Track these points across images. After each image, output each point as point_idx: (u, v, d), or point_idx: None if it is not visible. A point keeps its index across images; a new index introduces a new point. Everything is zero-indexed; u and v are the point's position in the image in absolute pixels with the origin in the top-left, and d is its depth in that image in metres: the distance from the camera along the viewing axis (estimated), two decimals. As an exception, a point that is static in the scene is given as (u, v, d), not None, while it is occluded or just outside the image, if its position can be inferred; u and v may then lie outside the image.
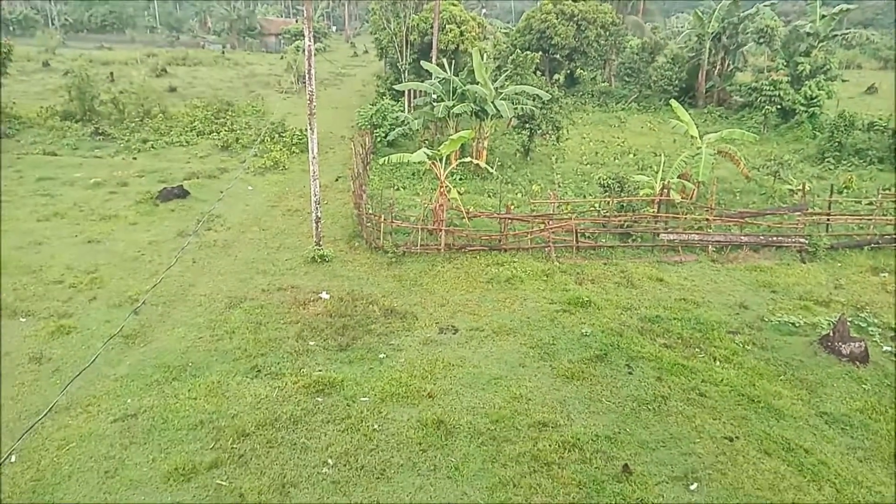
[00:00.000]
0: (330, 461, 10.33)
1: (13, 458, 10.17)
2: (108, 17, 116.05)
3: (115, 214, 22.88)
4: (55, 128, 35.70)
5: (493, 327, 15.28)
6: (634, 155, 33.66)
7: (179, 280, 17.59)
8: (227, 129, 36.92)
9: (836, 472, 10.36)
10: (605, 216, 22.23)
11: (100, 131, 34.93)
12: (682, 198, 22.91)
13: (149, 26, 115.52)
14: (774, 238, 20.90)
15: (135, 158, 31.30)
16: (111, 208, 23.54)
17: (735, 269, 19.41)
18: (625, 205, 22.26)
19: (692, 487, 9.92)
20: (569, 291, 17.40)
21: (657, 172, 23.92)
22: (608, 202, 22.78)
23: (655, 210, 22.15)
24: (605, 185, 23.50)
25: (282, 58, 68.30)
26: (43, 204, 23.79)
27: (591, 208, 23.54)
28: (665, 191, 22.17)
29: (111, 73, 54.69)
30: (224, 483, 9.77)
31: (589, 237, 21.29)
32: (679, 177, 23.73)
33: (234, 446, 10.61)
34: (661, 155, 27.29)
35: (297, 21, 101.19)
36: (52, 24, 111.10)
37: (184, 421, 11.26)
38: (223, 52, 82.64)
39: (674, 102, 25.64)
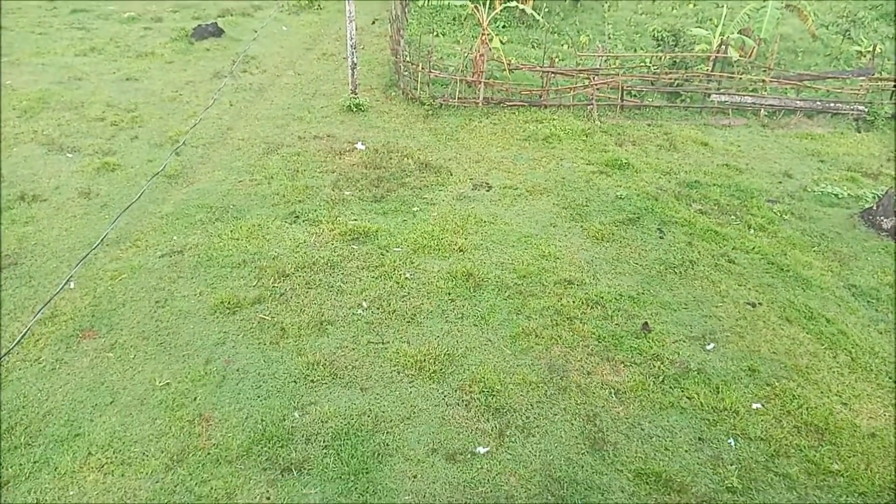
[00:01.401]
0: (364, 304, 10.94)
1: (72, 285, 11.01)
2: None
3: (152, 52, 22.54)
4: (83, -45, 34.21)
5: (526, 186, 15.23)
6: (695, 5, 31.01)
7: (217, 123, 17.67)
8: (259, -39, 34.86)
9: (853, 342, 10.61)
10: (654, 73, 21.05)
11: (129, -40, 33.41)
12: (739, 55, 21.40)
13: None
14: (831, 104, 19.68)
15: (166, -9, 30.16)
16: (147, 45, 23.15)
17: (785, 136, 18.57)
18: (678, 61, 20.94)
19: (708, 347, 10.32)
20: (608, 153, 17.01)
21: (717, 26, 22.18)
22: (660, 57, 21.43)
23: (710, 68, 20.84)
24: (659, 38, 21.98)
25: None
26: (79, 38, 23.48)
27: (642, 64, 22.23)
28: (723, 47, 20.68)
29: None
30: (266, 317, 10.51)
31: (635, 95, 20.34)
32: (740, 32, 22.00)
33: (276, 285, 11.26)
34: (723, 6, 25.09)
35: None
36: None
37: (228, 259, 11.89)
38: None
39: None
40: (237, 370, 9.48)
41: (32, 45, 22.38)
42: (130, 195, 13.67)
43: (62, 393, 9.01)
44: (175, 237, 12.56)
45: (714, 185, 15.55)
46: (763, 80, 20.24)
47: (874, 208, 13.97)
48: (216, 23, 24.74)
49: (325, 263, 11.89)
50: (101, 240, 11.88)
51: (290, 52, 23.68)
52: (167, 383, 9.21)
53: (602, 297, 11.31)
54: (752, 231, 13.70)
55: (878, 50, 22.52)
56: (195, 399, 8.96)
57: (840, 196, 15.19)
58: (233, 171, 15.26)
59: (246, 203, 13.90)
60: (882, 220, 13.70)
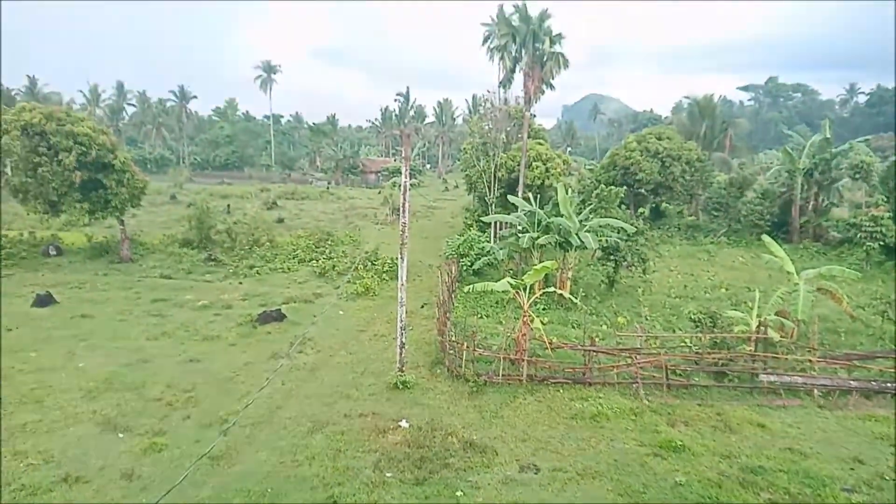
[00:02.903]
0: None
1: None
2: (231, 156, 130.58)
3: (217, 335, 24.32)
4: (174, 253, 39.38)
5: (577, 468, 14.50)
6: (726, 289, 32.54)
7: (268, 402, 18.13)
8: (325, 257, 39.32)
9: None
10: (697, 353, 21.27)
11: (212, 257, 38.14)
12: (780, 336, 21.67)
13: (265, 164, 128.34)
14: (888, 384, 19.07)
15: (240, 283, 33.67)
16: (214, 329, 25.09)
17: (846, 418, 17.70)
18: (718, 342, 21.28)
19: None
20: (660, 433, 16.41)
21: (752, 308, 22.95)
22: (700, 338, 21.87)
23: (752, 348, 21.00)
24: (696, 319, 22.71)
25: (379, 192, 73.21)
26: (154, 324, 25.75)
27: (682, 344, 22.63)
28: (762, 328, 21.10)
29: (228, 206, 60.41)
30: None
31: (680, 375, 20.31)
32: (776, 314, 22.62)
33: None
34: (755, 290, 26.26)
35: (395, 160, 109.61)
36: (183, 162, 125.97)
37: (258, 550, 11.14)
38: (328, 188, 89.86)
39: (766, 237, 25.08)
40: None
41: (111, 331, 24.56)
42: (173, 478, 13.53)
43: None
44: (208, 523, 12.04)
45: (780, 470, 14.46)
46: (810, 360, 20.11)
47: (968, 499, 12.56)
48: (280, 309, 27.01)
49: (361, 556, 10.99)
50: (134, 525, 11.47)
51: (345, 333, 25.19)
52: None
53: None
54: (833, 525, 12.30)
55: (922, 329, 22.55)
56: None
57: (925, 484, 13.81)
58: (276, 451, 15.17)
59: (284, 486, 13.52)
60: (982, 514, 12.19)
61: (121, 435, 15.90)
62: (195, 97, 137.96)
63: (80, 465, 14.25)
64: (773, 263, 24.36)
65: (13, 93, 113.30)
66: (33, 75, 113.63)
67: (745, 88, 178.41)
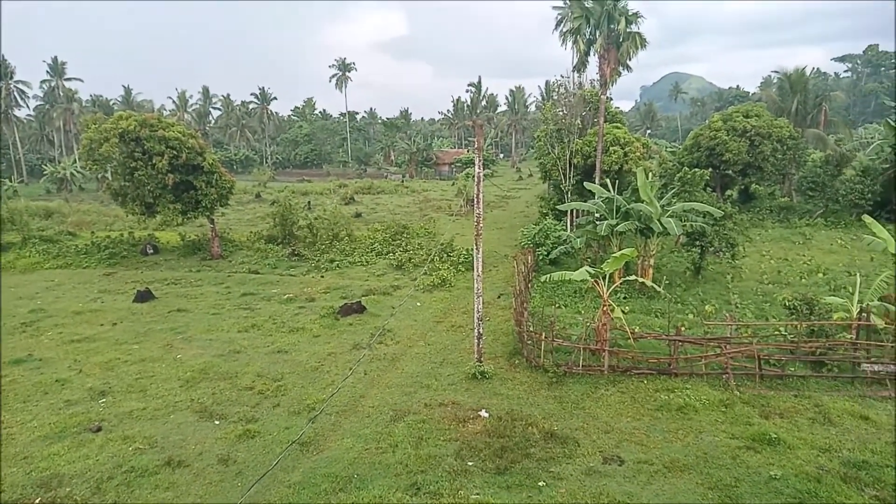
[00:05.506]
0: None
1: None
2: (310, 154, 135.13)
3: (302, 327, 25.23)
4: (260, 249, 41.14)
5: (663, 461, 14.07)
6: (824, 274, 30.54)
7: (351, 391, 18.65)
8: (401, 249, 39.92)
9: None
10: (792, 342, 20.10)
11: (295, 252, 39.59)
12: (886, 323, 20.10)
13: (342, 161, 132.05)
14: None
15: (322, 276, 34.77)
16: (299, 321, 26.05)
17: (966, 410, 16.25)
18: (816, 329, 20.01)
19: None
20: (752, 426, 15.66)
21: (853, 294, 21.42)
22: (796, 326, 20.64)
23: (854, 336, 19.62)
24: (792, 306, 21.45)
25: (453, 184, 73.57)
26: (244, 316, 27.02)
27: (776, 332, 21.44)
28: (864, 315, 19.66)
29: (308, 202, 62.48)
30: None
31: (774, 364, 19.27)
32: (880, 299, 20.99)
33: (391, 566, 10.56)
34: (856, 275, 24.49)
35: (468, 151, 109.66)
36: (266, 162, 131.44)
37: (346, 533, 11.49)
38: (402, 181, 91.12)
39: (867, 217, 23.27)
40: None
41: (205, 324, 25.98)
42: (265, 463, 14.19)
43: None
44: (298, 507, 12.54)
45: (887, 465, 13.48)
46: (921, 348, 18.56)
47: None
48: (360, 301, 27.70)
49: (445, 543, 11.12)
50: (231, 507, 12.10)
51: (423, 324, 25.52)
52: None
53: None
54: (952, 526, 11.34)
55: None
56: None
57: None
58: (360, 438, 15.59)
59: (369, 472, 13.88)
60: None
61: (216, 422, 16.81)
62: (275, 98, 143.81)
63: (181, 450, 15.17)
64: (875, 245, 22.54)
65: (111, 102, 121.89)
66: (128, 85, 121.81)
67: (842, 59, 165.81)
